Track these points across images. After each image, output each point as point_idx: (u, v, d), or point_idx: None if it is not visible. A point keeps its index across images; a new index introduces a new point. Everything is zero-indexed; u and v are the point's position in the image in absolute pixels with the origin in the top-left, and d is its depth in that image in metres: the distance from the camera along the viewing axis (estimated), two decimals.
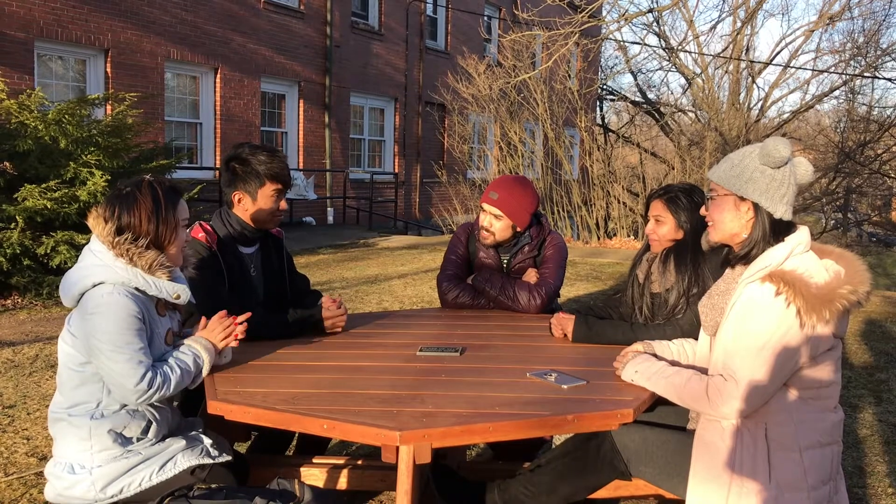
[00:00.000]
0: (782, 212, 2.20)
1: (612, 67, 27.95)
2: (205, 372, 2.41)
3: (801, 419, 2.15)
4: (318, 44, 15.91)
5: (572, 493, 2.47)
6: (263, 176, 2.99)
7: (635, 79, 26.10)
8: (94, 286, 2.27)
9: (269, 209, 3.03)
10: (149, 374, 2.25)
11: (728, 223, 2.27)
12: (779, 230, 2.21)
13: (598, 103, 25.47)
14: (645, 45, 25.60)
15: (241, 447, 3.29)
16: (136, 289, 2.30)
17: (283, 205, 3.08)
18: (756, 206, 2.21)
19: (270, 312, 2.97)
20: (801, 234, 2.21)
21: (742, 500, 2.12)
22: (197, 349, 2.41)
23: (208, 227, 2.98)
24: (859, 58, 22.85)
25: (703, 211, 2.37)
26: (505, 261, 3.55)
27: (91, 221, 2.35)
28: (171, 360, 2.35)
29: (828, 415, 2.20)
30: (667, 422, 2.53)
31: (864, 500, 3.45)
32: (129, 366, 2.22)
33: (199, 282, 2.78)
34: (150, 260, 2.31)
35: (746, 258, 2.24)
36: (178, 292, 2.38)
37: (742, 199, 2.23)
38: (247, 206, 3.02)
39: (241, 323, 2.52)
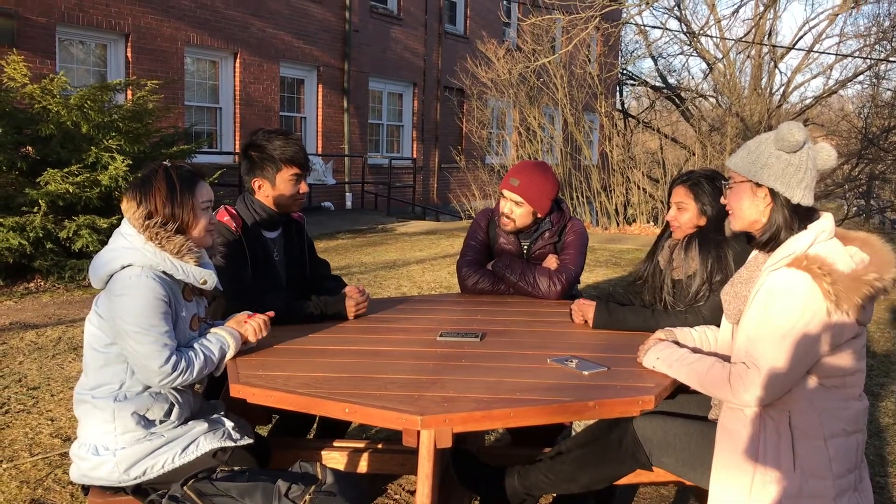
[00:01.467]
0: (800, 196, 2.17)
1: (633, 52, 27.72)
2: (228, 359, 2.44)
3: (824, 407, 2.13)
4: (337, 28, 15.88)
5: (593, 482, 2.47)
6: (279, 161, 3.00)
7: (656, 63, 25.89)
8: (123, 268, 2.31)
9: (290, 194, 3.04)
10: (173, 358, 2.28)
11: (746, 210, 2.25)
12: (800, 216, 2.18)
13: (618, 88, 25.28)
14: (666, 29, 25.32)
15: (262, 430, 3.31)
16: (164, 272, 2.32)
17: (304, 188, 3.09)
18: (773, 192, 2.19)
19: (295, 298, 2.98)
20: (825, 222, 2.18)
21: (766, 488, 2.11)
22: (224, 337, 2.43)
23: (233, 211, 3.00)
24: (884, 42, 22.47)
25: (722, 200, 2.36)
26: (525, 246, 3.54)
27: (123, 206, 2.39)
28: (196, 346, 2.37)
29: (852, 403, 2.18)
30: (688, 411, 2.52)
31: (886, 489, 3.42)
32: (154, 348, 2.25)
33: (223, 265, 2.80)
34: (178, 244, 2.34)
35: (769, 245, 2.22)
36: (205, 277, 2.40)
37: (758, 185, 2.21)
38: (267, 191, 3.04)
39: (264, 318, 2.55)
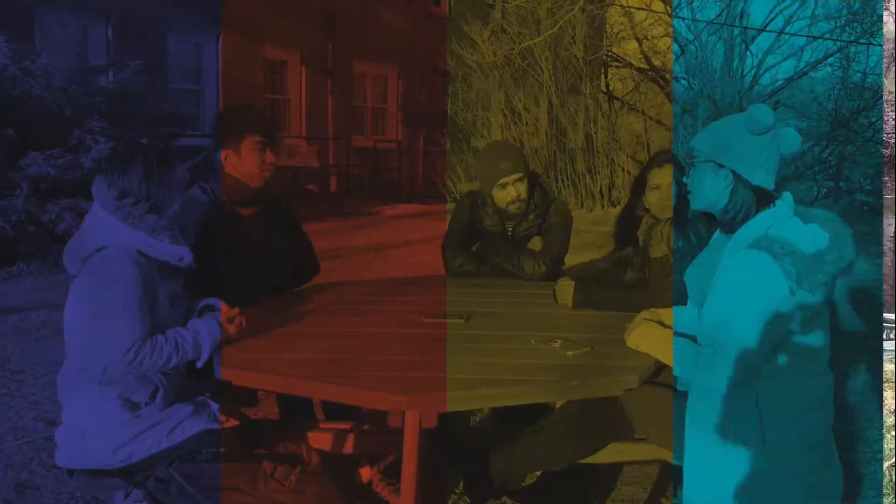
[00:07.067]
0: (761, 179, 2.16)
1: (618, 34, 27.64)
2: (205, 352, 2.34)
3: (791, 385, 2.15)
4: (321, 9, 15.75)
5: (574, 453, 2.47)
6: (241, 129, 3.01)
7: (640, 45, 25.81)
8: (97, 251, 2.27)
9: (255, 162, 3.01)
10: (138, 342, 2.22)
11: (707, 190, 2.24)
12: (761, 198, 2.19)
13: (603, 70, 25.21)
14: (650, 10, 25.22)
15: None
16: (139, 252, 2.30)
17: (270, 157, 3.04)
18: (735, 174, 2.19)
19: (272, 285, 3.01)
20: (785, 201, 2.19)
21: (737, 469, 2.13)
22: (199, 327, 2.35)
23: (207, 189, 3.01)
24: (855, 24, 22.49)
25: (684, 178, 2.36)
26: (509, 228, 3.55)
27: (94, 187, 2.34)
28: (169, 332, 2.31)
29: (818, 379, 2.20)
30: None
31: (855, 465, 3.47)
32: (125, 331, 2.21)
33: (197, 245, 2.77)
34: (152, 223, 2.31)
35: (730, 226, 2.23)
36: (181, 254, 2.37)
37: (720, 165, 2.21)
38: (234, 162, 3.01)
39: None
